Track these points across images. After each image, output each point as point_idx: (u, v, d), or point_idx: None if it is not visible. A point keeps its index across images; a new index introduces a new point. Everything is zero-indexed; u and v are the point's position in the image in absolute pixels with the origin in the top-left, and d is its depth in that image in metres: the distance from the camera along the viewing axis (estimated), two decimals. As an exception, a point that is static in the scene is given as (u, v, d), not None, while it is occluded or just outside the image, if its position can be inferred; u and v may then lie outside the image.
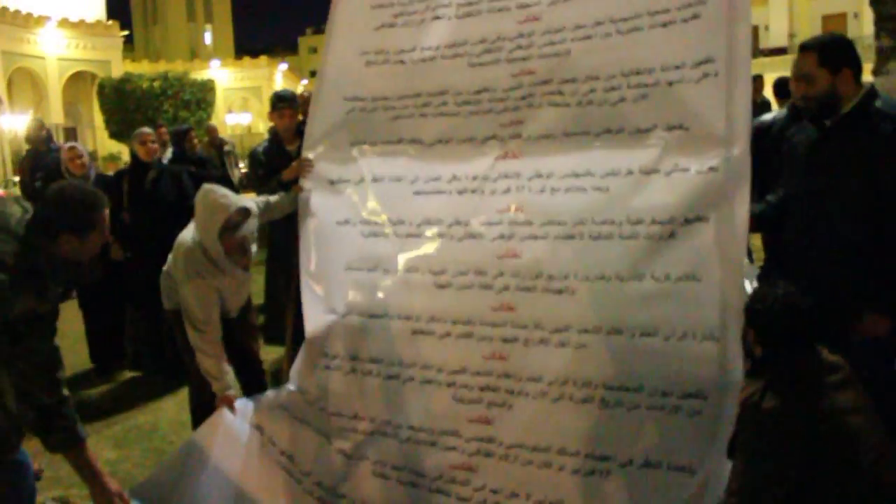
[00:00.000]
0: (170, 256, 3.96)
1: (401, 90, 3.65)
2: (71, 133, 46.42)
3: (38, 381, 2.60)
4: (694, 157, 2.94)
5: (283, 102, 4.89)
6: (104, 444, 4.71)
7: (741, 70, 2.91)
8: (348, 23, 3.91)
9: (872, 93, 2.96)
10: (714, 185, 2.89)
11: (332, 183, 3.77)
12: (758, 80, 8.51)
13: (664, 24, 3.08)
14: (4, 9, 42.17)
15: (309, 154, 3.88)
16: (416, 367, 3.38)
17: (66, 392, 2.77)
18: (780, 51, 40.22)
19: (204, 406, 3.84)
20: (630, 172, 3.07)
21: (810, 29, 41.30)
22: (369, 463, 3.42)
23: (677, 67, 3.02)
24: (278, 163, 4.56)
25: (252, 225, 3.80)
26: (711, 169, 2.90)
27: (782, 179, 3.28)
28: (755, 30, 43.21)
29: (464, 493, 3.21)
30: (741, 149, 2.86)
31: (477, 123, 3.44)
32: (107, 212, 2.73)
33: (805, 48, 3.04)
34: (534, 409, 3.11)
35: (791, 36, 40.64)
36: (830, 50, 2.97)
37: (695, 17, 3.02)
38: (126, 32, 51.73)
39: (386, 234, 3.59)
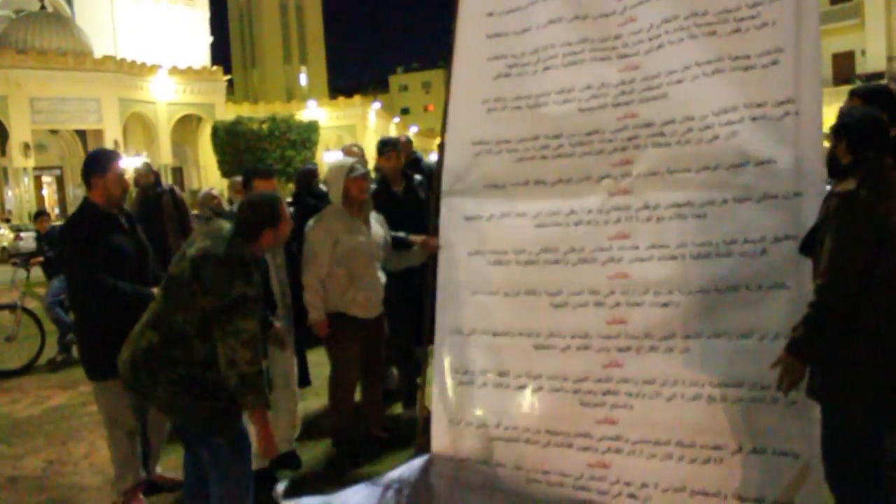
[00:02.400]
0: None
1: (521, 133, 4.14)
2: (178, 172, 49.10)
3: (243, 354, 3.19)
4: (780, 186, 3.37)
5: (388, 147, 5.63)
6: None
7: (815, 111, 3.35)
8: (468, 74, 4.40)
9: None
10: (797, 208, 3.33)
11: (466, 219, 4.28)
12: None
13: (745, 69, 3.53)
14: (123, 60, 45.24)
15: (446, 193, 4.38)
16: (543, 377, 3.90)
17: (264, 364, 3.43)
18: (878, 76, 39.20)
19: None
20: (725, 201, 3.52)
21: (910, 51, 40.16)
22: (524, 472, 3.92)
23: (759, 106, 3.46)
24: (386, 203, 5.25)
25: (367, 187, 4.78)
26: (797, 194, 3.33)
27: None
28: (851, 55, 42.30)
29: (602, 488, 3.70)
30: (818, 179, 3.30)
31: (591, 163, 3.91)
32: (285, 205, 3.58)
33: (854, 94, 3.59)
34: (651, 408, 3.60)
35: (890, 59, 39.54)
36: (872, 97, 3.48)
37: (774, 63, 3.45)
38: (229, 77, 54.37)
39: (509, 261, 4.10)
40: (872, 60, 40.81)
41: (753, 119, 3.49)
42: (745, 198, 3.48)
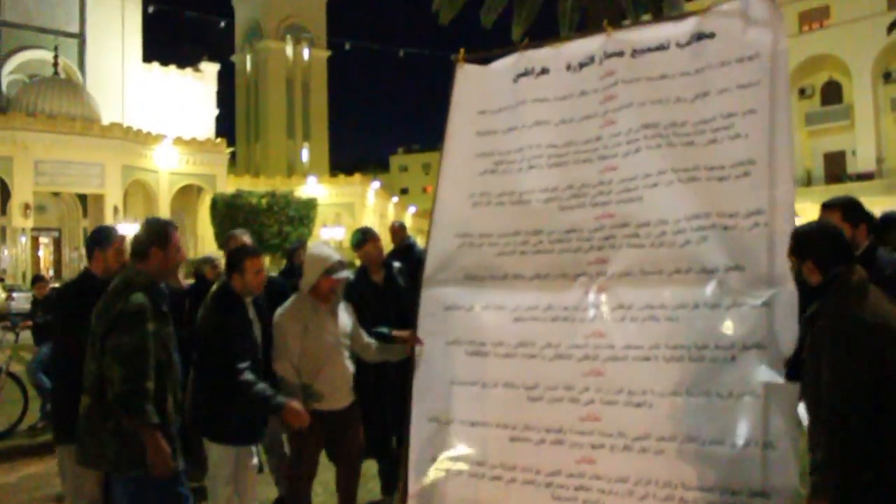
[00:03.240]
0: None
1: (503, 228, 4.27)
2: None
3: (116, 371, 3.29)
4: (749, 295, 3.48)
5: (366, 236, 5.51)
6: None
7: (786, 221, 3.47)
8: (456, 169, 4.57)
9: (875, 243, 3.65)
10: (766, 318, 3.42)
11: (446, 308, 4.37)
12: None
13: (720, 179, 3.67)
14: (129, 128, 46.00)
15: (427, 283, 4.47)
16: (517, 469, 3.93)
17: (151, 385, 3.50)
18: (868, 176, 40.00)
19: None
20: (696, 306, 3.62)
21: (899, 154, 41.07)
22: None
23: (731, 216, 3.60)
24: (366, 293, 5.21)
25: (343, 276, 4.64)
26: (764, 304, 3.43)
27: None
28: (842, 155, 43.28)
29: None
30: (787, 288, 3.39)
31: (569, 260, 4.03)
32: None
33: (828, 206, 3.66)
34: None
35: (879, 160, 40.39)
36: (852, 208, 3.59)
37: (746, 174, 3.61)
38: (231, 149, 55.18)
39: (487, 353, 4.18)
40: (863, 161, 41.69)
41: (725, 228, 3.61)
42: (715, 304, 3.58)
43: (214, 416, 4.32)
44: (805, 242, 3.10)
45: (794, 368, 3.19)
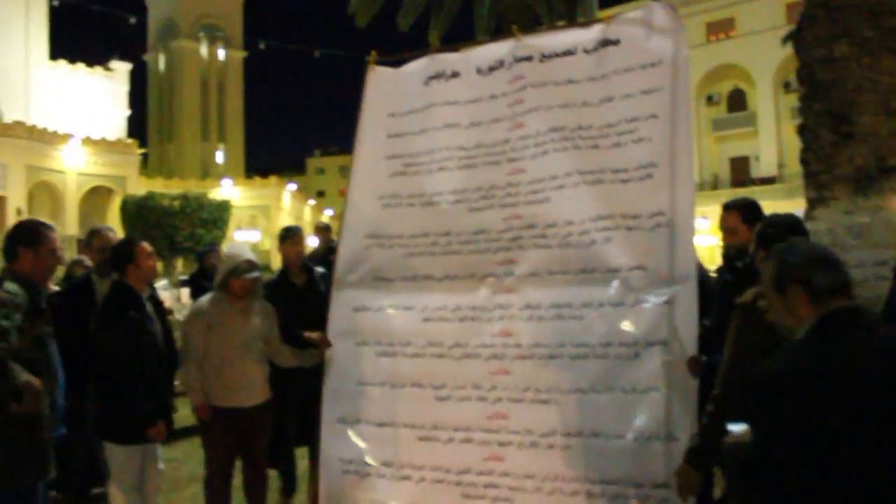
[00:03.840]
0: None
1: (412, 230, 4.30)
2: (83, 245, 47.50)
3: None
4: (652, 293, 3.59)
5: (290, 233, 5.51)
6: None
7: (686, 221, 3.60)
8: (366, 170, 4.58)
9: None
10: (668, 315, 3.53)
11: (355, 310, 4.37)
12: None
13: (624, 181, 3.79)
14: (33, 127, 44.11)
15: (338, 285, 4.48)
16: (426, 468, 3.95)
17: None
18: (770, 180, 41.69)
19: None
20: (601, 305, 3.72)
21: (797, 159, 42.87)
22: None
23: (634, 217, 3.71)
24: (286, 297, 5.15)
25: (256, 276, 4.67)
26: (666, 302, 3.55)
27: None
28: (746, 160, 45.04)
29: None
30: (689, 286, 3.52)
31: (477, 261, 4.08)
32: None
33: (728, 208, 3.81)
34: (532, 503, 3.68)
35: (780, 166, 42.15)
36: (750, 209, 3.74)
37: (648, 176, 3.73)
38: (143, 150, 53.61)
39: (395, 353, 4.19)
40: (765, 166, 43.43)
41: (628, 228, 3.72)
42: (619, 303, 3.68)
43: (110, 417, 4.25)
44: (773, 233, 3.15)
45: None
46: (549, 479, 3.67)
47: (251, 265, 4.60)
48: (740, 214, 3.81)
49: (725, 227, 3.89)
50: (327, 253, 6.85)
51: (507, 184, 4.12)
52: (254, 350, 4.61)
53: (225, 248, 5.19)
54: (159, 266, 6.58)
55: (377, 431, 4.13)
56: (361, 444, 4.15)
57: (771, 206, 4.72)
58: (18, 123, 43.73)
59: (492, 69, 4.31)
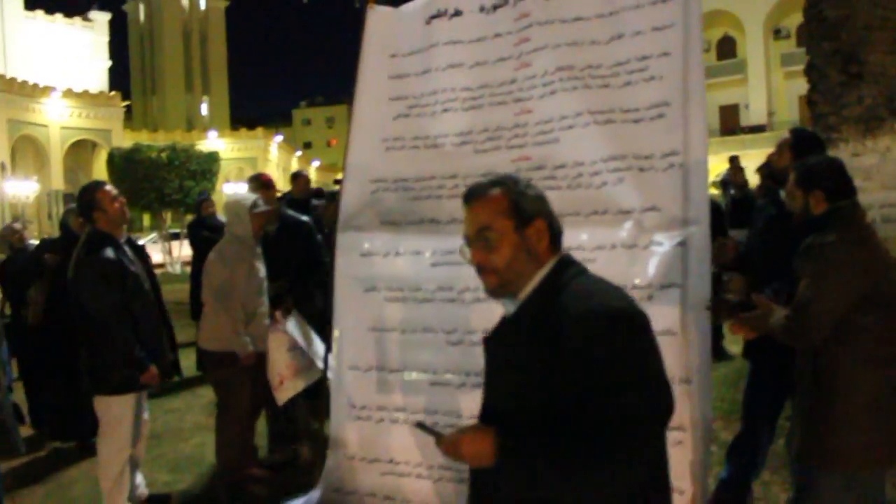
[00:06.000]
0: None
1: (418, 173, 4.20)
2: (70, 198, 47.18)
3: None
4: (665, 234, 3.52)
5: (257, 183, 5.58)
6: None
7: (700, 161, 3.52)
8: (369, 113, 4.46)
9: None
10: (682, 257, 3.47)
11: (362, 255, 4.30)
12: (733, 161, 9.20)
13: (635, 121, 3.69)
14: (13, 80, 43.39)
15: (343, 228, 4.40)
16: (439, 413, 3.90)
17: None
18: (760, 128, 41.65)
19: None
20: (614, 247, 3.64)
21: (788, 107, 42.83)
22: None
23: (646, 157, 3.62)
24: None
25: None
26: (680, 244, 3.48)
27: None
28: (735, 108, 44.86)
29: None
30: (702, 227, 3.45)
31: None
32: None
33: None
34: None
35: (770, 114, 42.07)
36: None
37: (661, 116, 3.63)
38: (127, 103, 52.86)
39: (405, 299, 4.13)
40: (755, 114, 43.35)
41: (640, 169, 3.63)
42: (632, 245, 3.61)
43: (101, 367, 4.20)
44: (814, 173, 3.16)
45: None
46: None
47: (260, 200, 4.81)
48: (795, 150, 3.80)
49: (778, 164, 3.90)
50: (308, 199, 6.83)
51: (514, 125, 4.02)
52: (266, 291, 4.81)
53: (226, 199, 5.20)
54: (146, 219, 6.67)
55: (388, 377, 4.09)
56: (373, 389, 4.11)
57: (761, 154, 4.68)
58: (-3, 76, 42.96)
59: (496, 7, 4.17)
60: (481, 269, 2.05)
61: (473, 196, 2.07)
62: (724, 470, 4.17)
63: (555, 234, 2.06)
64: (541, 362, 1.84)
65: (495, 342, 2.15)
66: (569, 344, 1.79)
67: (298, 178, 7.47)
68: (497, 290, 2.06)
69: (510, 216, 2.01)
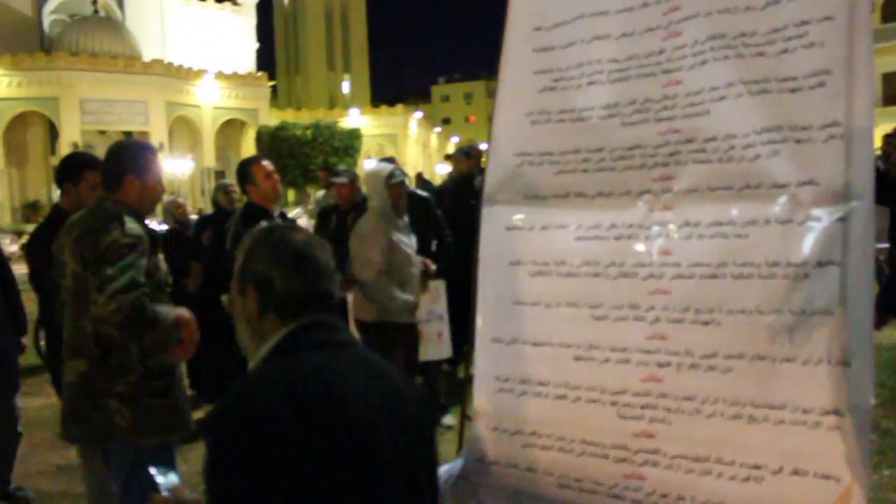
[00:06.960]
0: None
1: (563, 146, 4.16)
2: (220, 175, 49.94)
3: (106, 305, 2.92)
4: (824, 209, 3.35)
5: (338, 177, 6.11)
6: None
7: (864, 132, 3.32)
8: (514, 87, 4.46)
9: None
10: (842, 233, 3.30)
11: (507, 229, 4.33)
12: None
13: (792, 90, 3.52)
14: (170, 64, 46.19)
15: (488, 201, 4.44)
16: (582, 388, 3.92)
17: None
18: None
19: None
20: (767, 222, 3.51)
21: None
22: (555, 478, 3.95)
23: (804, 129, 3.45)
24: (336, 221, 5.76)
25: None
26: (840, 220, 3.31)
27: None
28: (893, 77, 41.56)
29: (637, 497, 3.70)
30: (865, 202, 3.26)
31: (632, 178, 3.93)
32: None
33: None
34: (690, 424, 3.59)
35: (941, 80, 38.76)
36: None
37: (821, 84, 3.44)
38: (273, 83, 55.08)
39: (550, 273, 4.15)
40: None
41: (798, 141, 3.47)
42: (787, 220, 3.47)
43: None
44: None
45: None
46: (710, 401, 3.56)
47: (396, 171, 4.89)
48: None
49: None
50: (471, 177, 6.86)
51: (662, 96, 3.92)
52: (416, 262, 4.94)
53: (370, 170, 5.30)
54: (291, 195, 7.03)
55: (532, 350, 4.13)
56: (517, 362, 4.17)
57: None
58: (157, 61, 45.86)
59: None
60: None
61: None
62: None
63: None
64: None
65: None
66: None
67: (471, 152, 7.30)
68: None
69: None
